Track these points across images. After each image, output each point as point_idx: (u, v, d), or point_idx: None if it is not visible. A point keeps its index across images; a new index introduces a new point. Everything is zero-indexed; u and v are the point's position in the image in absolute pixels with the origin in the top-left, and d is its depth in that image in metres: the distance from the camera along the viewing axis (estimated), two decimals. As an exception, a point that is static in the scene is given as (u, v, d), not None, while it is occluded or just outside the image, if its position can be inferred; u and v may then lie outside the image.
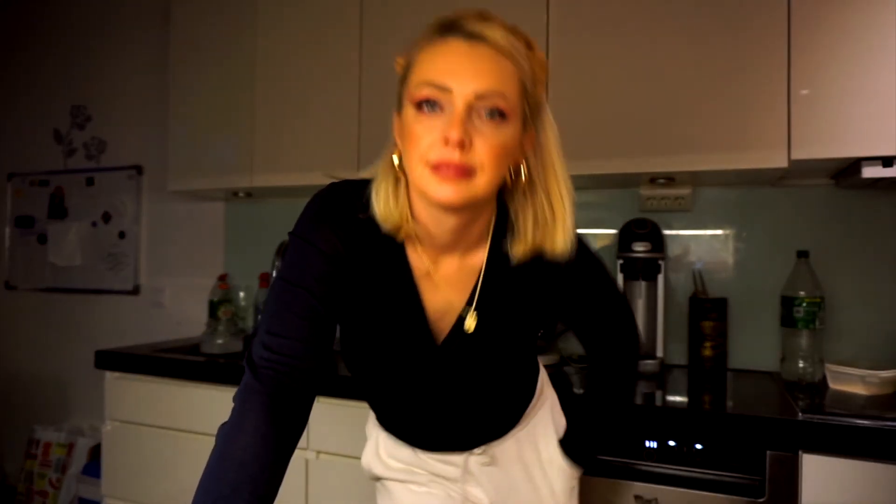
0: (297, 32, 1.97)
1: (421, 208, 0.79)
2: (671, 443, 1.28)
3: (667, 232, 1.82)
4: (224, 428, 0.72)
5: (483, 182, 0.72)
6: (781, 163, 1.45)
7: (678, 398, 1.53)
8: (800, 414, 1.23)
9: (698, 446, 1.26)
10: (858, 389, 1.42)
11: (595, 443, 1.06)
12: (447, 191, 0.70)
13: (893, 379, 1.40)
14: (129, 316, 2.61)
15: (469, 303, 0.85)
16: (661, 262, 1.71)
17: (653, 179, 1.73)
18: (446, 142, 0.69)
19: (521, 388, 0.99)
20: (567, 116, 1.71)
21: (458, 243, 0.82)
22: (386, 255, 0.82)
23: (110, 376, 1.92)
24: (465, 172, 0.70)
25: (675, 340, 1.80)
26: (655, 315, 1.71)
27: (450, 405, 0.92)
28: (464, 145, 0.69)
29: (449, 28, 0.74)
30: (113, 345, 2.10)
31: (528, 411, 0.99)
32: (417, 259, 0.83)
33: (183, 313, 2.51)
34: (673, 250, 1.84)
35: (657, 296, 1.71)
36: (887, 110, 1.36)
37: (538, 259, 0.82)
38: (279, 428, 0.72)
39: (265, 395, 0.72)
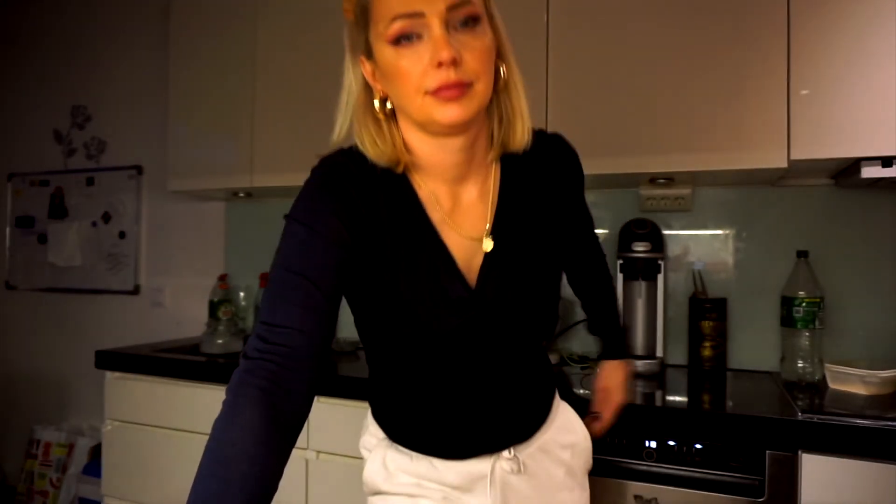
0: (297, 32, 1.97)
1: (424, 143, 0.78)
2: (671, 443, 1.28)
3: (666, 232, 1.83)
4: (216, 423, 0.67)
5: (482, 90, 0.73)
6: (781, 163, 1.45)
7: (678, 398, 1.53)
8: (799, 414, 1.23)
9: (698, 446, 1.26)
10: (858, 389, 1.42)
11: (624, 344, 1.24)
12: (454, 110, 0.71)
13: (893, 379, 1.41)
14: (130, 316, 2.61)
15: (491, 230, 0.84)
16: (660, 262, 1.71)
17: (652, 179, 1.73)
18: (439, 65, 0.69)
19: (544, 365, 0.96)
20: (567, 116, 1.73)
21: (470, 166, 0.82)
22: (400, 210, 0.80)
23: (110, 376, 1.92)
24: (465, 87, 0.71)
25: (675, 340, 1.81)
26: (655, 315, 1.71)
27: (484, 376, 0.86)
28: (456, 62, 0.69)
29: None
30: (113, 345, 2.10)
31: (550, 415, 0.94)
32: (434, 204, 0.81)
33: (183, 313, 2.51)
34: (673, 250, 1.85)
35: (657, 296, 1.71)
36: (887, 110, 1.36)
37: (540, 163, 0.86)
38: (274, 424, 0.66)
39: (259, 389, 0.67)
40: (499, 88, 0.79)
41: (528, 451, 0.90)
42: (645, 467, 1.29)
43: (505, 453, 0.88)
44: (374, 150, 0.78)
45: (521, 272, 0.84)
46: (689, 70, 1.53)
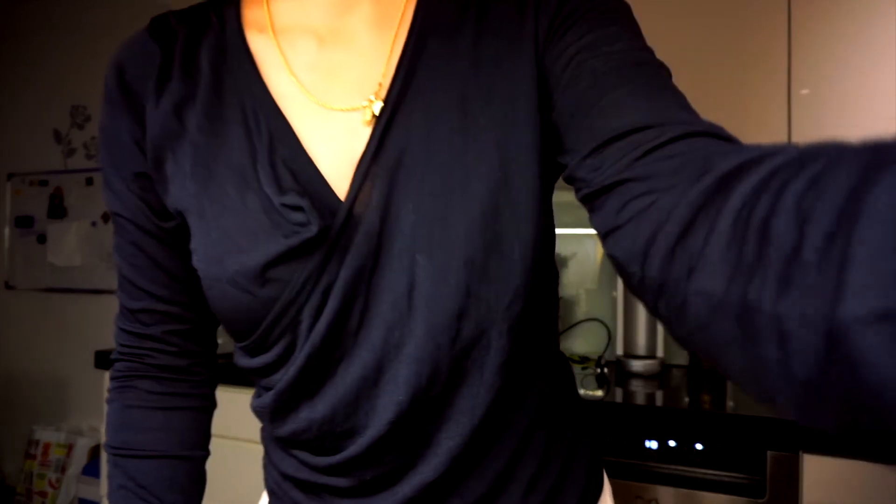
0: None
1: None
2: (671, 443, 1.28)
3: (667, 232, 1.82)
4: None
5: None
6: (782, 163, 1.45)
7: (678, 398, 1.53)
8: (800, 414, 1.23)
9: (699, 446, 1.26)
10: (859, 389, 1.41)
11: None
12: None
13: None
14: (129, 316, 2.61)
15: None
16: (661, 262, 1.71)
17: (653, 179, 1.73)
18: None
19: (553, 399, 0.52)
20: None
21: None
22: (221, 72, 0.49)
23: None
24: None
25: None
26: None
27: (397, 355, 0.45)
28: None
29: None
30: (112, 345, 2.10)
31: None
32: (275, 54, 0.49)
33: (183, 313, 2.51)
34: (673, 250, 1.84)
35: (657, 296, 1.70)
36: (888, 110, 1.36)
37: None
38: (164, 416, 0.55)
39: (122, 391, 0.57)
40: None
41: None
42: (645, 467, 1.29)
43: None
44: None
45: (442, 170, 0.44)
46: (687, 70, 1.53)
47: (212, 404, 0.61)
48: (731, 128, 1.45)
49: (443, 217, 0.43)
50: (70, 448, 2.52)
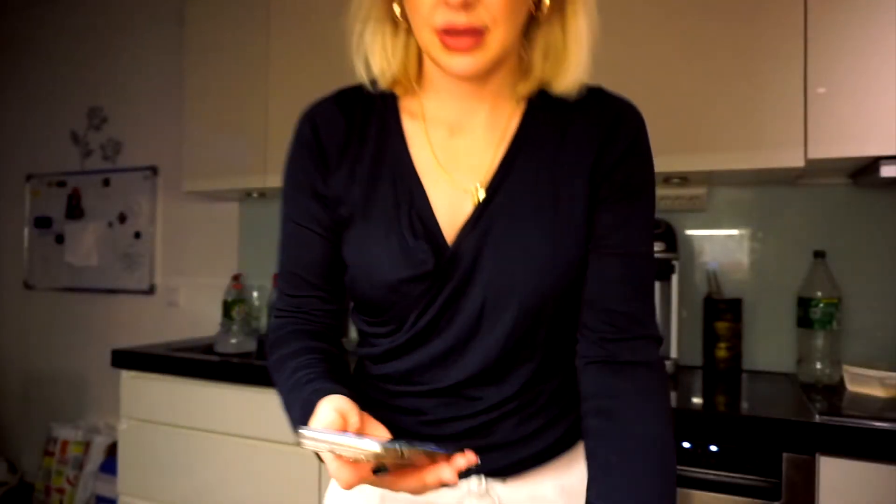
0: (311, 33, 1.98)
1: (434, 67, 0.69)
2: (686, 444, 1.27)
3: (681, 232, 1.81)
4: (272, 364, 0.72)
5: (499, 39, 0.62)
6: (798, 162, 1.43)
7: (693, 399, 1.52)
8: (817, 416, 1.22)
9: (713, 448, 1.25)
10: (876, 391, 1.40)
11: None
12: (460, 63, 0.62)
13: (913, 381, 1.39)
14: (145, 315, 2.64)
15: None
16: (675, 262, 1.70)
17: (667, 179, 1.72)
18: (447, 3, 0.59)
19: (562, 385, 0.74)
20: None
21: (483, 97, 0.70)
22: (384, 144, 0.72)
23: (126, 375, 1.94)
24: (476, 34, 0.61)
25: (690, 341, 1.79)
26: (669, 316, 1.69)
27: (459, 366, 0.70)
28: (468, 4, 0.59)
29: None
30: (128, 344, 2.12)
31: (560, 457, 0.74)
32: (423, 139, 0.71)
33: (197, 313, 2.53)
34: (687, 250, 1.83)
35: (671, 296, 1.70)
36: (906, 108, 1.34)
37: (585, 121, 0.69)
38: (324, 341, 0.73)
39: (294, 330, 0.73)
40: (541, 18, 0.67)
41: (513, 493, 0.72)
42: (659, 469, 1.28)
43: (473, 482, 0.71)
44: (383, 59, 0.69)
45: (516, 238, 0.67)
46: (703, 68, 1.52)
47: (343, 351, 0.78)
48: (747, 126, 1.45)
49: (511, 272, 0.67)
50: (87, 446, 2.56)
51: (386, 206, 0.69)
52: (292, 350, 0.70)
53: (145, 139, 2.67)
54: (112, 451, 2.48)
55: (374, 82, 0.72)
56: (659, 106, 1.55)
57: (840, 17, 1.40)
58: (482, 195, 0.68)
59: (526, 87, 0.70)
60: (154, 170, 2.63)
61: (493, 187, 0.69)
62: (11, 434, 2.95)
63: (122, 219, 2.68)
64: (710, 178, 1.73)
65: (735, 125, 1.49)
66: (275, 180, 2.04)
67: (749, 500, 1.21)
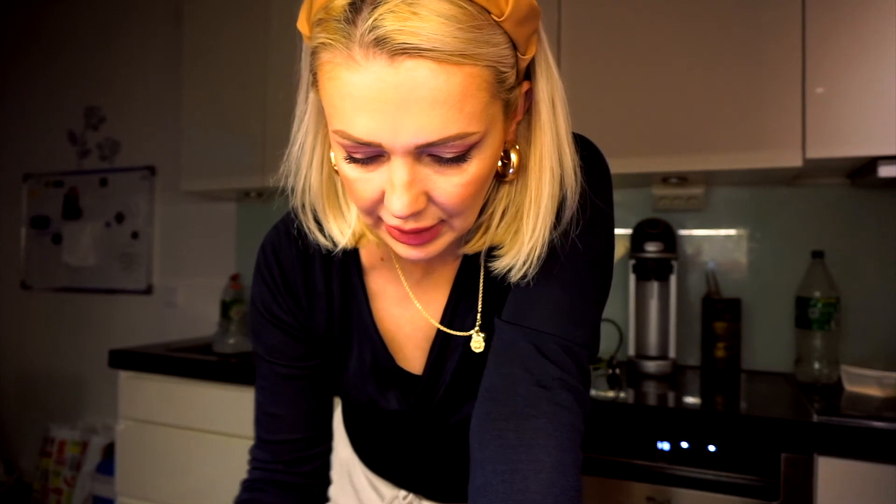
0: (309, 33, 1.98)
1: None
2: (684, 444, 1.27)
3: (679, 232, 1.81)
4: None
5: (458, 226, 0.55)
6: (796, 162, 1.43)
7: (691, 399, 1.52)
8: (815, 416, 1.22)
9: (711, 448, 1.25)
10: (874, 391, 1.40)
11: None
12: (411, 253, 0.56)
13: (910, 381, 1.39)
14: (142, 315, 2.63)
15: (468, 312, 0.69)
16: (673, 262, 1.70)
17: (665, 179, 1.72)
18: (392, 213, 0.51)
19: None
20: (579, 115, 1.71)
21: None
22: (346, 293, 0.72)
23: (124, 375, 1.94)
24: (431, 231, 0.54)
25: (688, 341, 1.79)
26: (668, 316, 1.70)
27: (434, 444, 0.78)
28: (417, 213, 0.51)
29: (355, 26, 0.46)
30: (126, 344, 2.12)
31: None
32: (382, 285, 0.71)
33: (195, 313, 2.53)
34: (686, 250, 1.83)
35: (669, 296, 1.70)
36: (904, 108, 1.35)
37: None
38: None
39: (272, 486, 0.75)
40: (505, 180, 0.60)
41: None
42: (657, 469, 1.28)
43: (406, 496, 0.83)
44: (340, 237, 0.62)
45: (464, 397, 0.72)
46: (701, 68, 1.52)
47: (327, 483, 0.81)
48: (745, 126, 1.45)
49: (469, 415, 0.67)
50: (85, 446, 2.55)
51: (356, 359, 0.74)
52: None
53: (143, 139, 2.66)
54: (109, 451, 2.48)
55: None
56: (657, 106, 1.55)
57: (838, 17, 1.40)
58: (481, 345, 0.68)
59: (472, 247, 0.63)
60: (152, 170, 2.63)
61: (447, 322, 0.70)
62: (9, 434, 2.94)
63: (120, 219, 2.68)
64: (709, 178, 1.73)
65: (733, 125, 1.49)
66: (273, 180, 2.03)
67: (747, 499, 1.21)
